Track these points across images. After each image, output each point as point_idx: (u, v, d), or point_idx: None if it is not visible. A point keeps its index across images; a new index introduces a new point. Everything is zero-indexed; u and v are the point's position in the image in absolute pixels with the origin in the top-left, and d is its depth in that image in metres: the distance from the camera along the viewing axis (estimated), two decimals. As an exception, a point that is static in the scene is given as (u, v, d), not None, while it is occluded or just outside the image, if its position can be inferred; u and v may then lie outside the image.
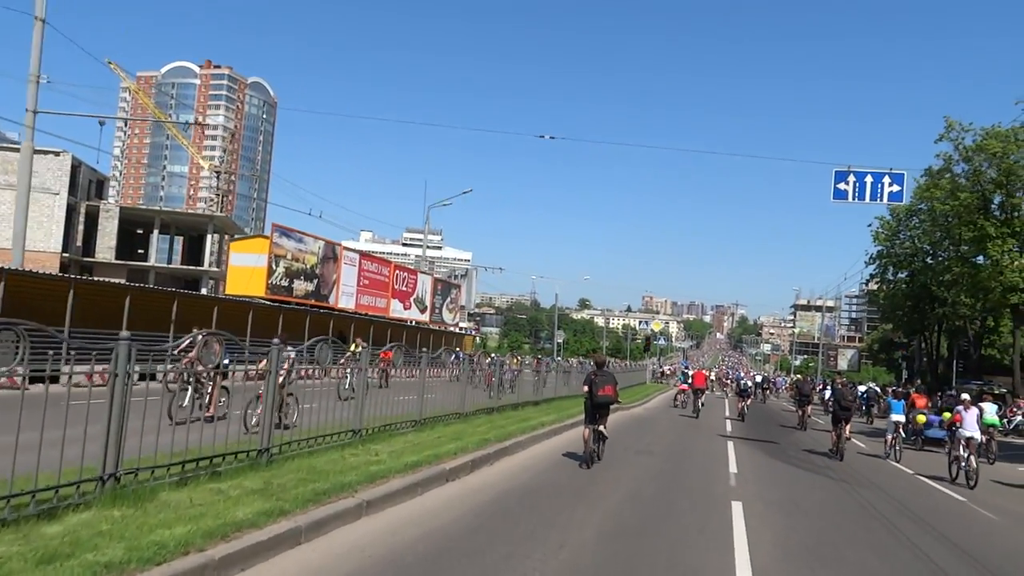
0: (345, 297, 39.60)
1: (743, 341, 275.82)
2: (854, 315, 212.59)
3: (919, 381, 52.62)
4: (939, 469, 15.87)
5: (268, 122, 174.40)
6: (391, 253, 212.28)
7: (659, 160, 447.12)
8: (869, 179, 17.14)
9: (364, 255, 42.23)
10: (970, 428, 14.47)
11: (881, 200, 17.25)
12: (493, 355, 42.78)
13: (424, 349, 14.73)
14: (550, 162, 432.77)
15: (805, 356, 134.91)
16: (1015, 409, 31.59)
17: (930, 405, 24.81)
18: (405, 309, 46.49)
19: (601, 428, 12.73)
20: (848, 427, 17.59)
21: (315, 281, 36.98)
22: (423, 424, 13.38)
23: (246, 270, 34.70)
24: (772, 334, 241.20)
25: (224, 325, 25.15)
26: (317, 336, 11.32)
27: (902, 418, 18.61)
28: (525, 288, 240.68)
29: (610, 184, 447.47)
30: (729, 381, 55.16)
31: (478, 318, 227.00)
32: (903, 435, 18.70)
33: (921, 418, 21.48)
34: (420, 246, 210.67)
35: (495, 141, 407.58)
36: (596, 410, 12.53)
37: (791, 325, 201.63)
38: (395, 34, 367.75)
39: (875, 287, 49.72)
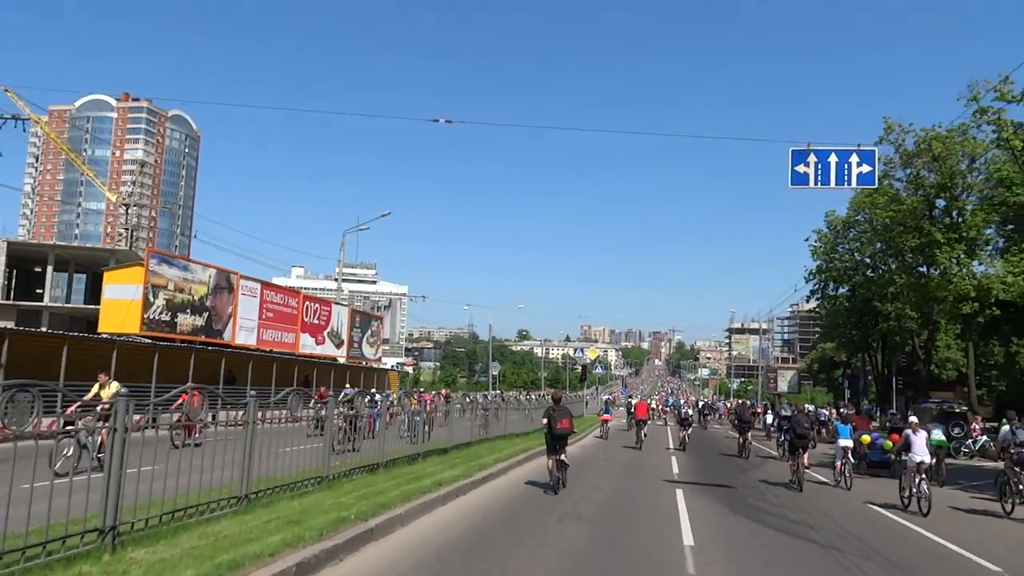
0: (244, 332, 34.86)
1: (681, 366, 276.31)
2: (787, 337, 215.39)
3: (866, 401, 50.45)
4: (889, 496, 15.11)
5: (191, 156, 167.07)
6: (323, 289, 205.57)
7: (594, 188, 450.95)
8: (833, 159, 13.86)
9: (267, 285, 37.62)
10: (920, 452, 13.77)
11: (849, 184, 13.98)
12: (419, 391, 38.71)
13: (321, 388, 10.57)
14: (486, 194, 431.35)
15: (743, 379, 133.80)
16: (976, 428, 28.89)
17: (871, 427, 24.83)
18: (318, 344, 41.88)
19: (563, 457, 14.09)
20: (807, 456, 16.85)
21: (205, 315, 32.21)
22: (254, 501, 9.24)
23: (121, 304, 29.77)
24: (709, 358, 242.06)
25: (80, 368, 20.79)
26: (204, 378, 7.24)
27: (850, 443, 17.91)
28: (465, 321, 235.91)
29: (547, 214, 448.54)
30: (669, 408, 52.25)
31: (416, 352, 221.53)
32: (852, 460, 17.99)
33: (866, 438, 20.75)
34: (353, 280, 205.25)
35: (432, 172, 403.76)
36: (556, 441, 13.86)
37: (727, 349, 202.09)
38: (327, 67, 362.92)
39: (815, 304, 47.35)
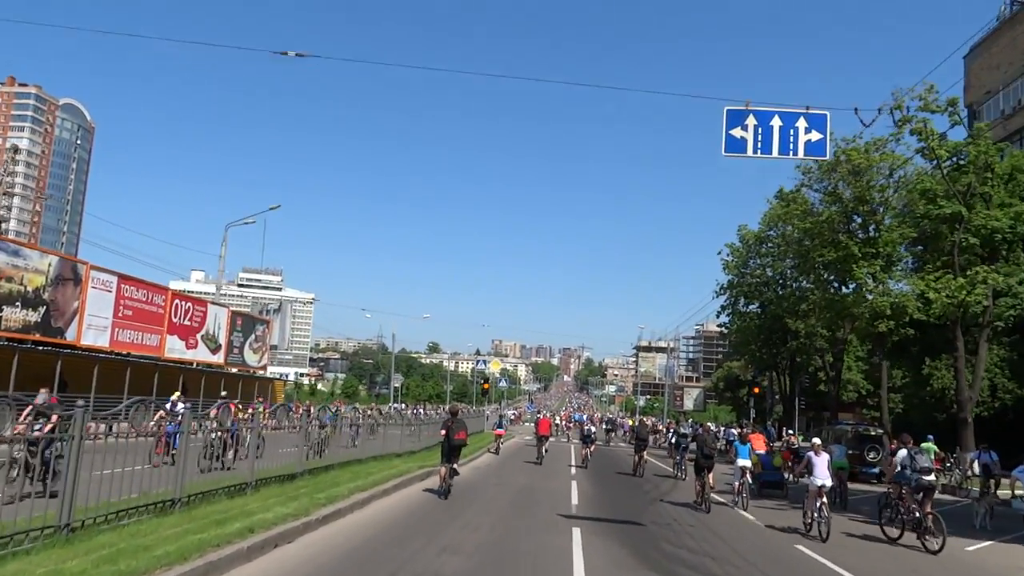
0: (94, 332, 29.89)
1: (589, 383, 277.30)
2: (692, 356, 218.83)
3: (770, 421, 49.12)
4: (786, 519, 15.34)
5: (83, 148, 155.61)
6: (225, 294, 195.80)
7: (508, 202, 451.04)
8: (777, 123, 11.11)
9: (127, 279, 32.65)
10: (822, 475, 13.38)
11: (795, 153, 11.19)
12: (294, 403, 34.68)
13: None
14: (402, 204, 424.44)
15: (650, 396, 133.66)
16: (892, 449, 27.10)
17: (770, 446, 24.38)
18: (189, 348, 37.03)
19: (455, 466, 15.63)
20: (712, 476, 16.18)
21: (42, 310, 27.24)
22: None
23: (-71, 293, 24.65)
24: (616, 375, 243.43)
25: None
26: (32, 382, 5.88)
27: (748, 463, 17.60)
28: (375, 332, 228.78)
29: (461, 226, 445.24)
30: (573, 424, 49.88)
31: (321, 363, 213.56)
32: (749, 481, 17.61)
33: (753, 458, 19.36)
34: (258, 286, 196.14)
35: (346, 180, 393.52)
36: (452, 451, 15.19)
37: (634, 366, 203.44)
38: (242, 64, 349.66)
39: (726, 319, 45.73)
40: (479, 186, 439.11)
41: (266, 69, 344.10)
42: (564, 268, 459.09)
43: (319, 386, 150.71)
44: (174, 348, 35.82)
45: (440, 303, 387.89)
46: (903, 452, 13.65)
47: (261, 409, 17.71)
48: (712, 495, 16.37)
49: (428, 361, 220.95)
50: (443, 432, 15.08)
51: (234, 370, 42.10)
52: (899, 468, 13.60)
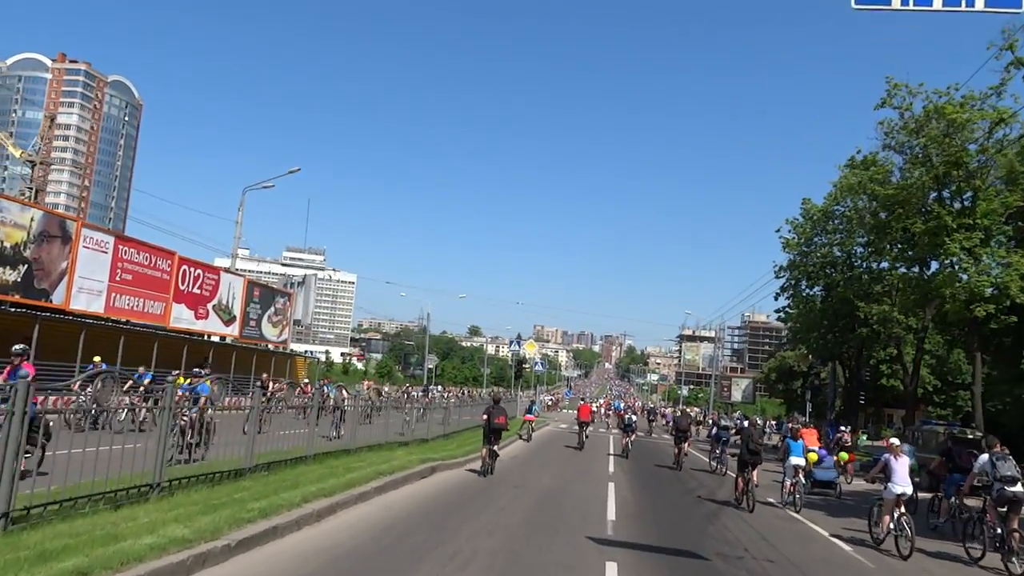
0: (85, 296, 26.92)
1: (630, 371, 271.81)
2: (736, 346, 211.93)
3: (831, 416, 44.50)
4: (847, 525, 13.78)
5: (131, 125, 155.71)
6: (269, 273, 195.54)
7: (556, 190, 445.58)
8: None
9: (123, 239, 29.61)
10: (902, 482, 11.57)
11: (970, 4, 7.07)
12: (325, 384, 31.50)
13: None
14: (449, 188, 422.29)
15: (693, 386, 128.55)
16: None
17: (825, 443, 22.83)
18: (199, 318, 34.02)
19: (496, 448, 16.59)
20: (756, 473, 15.21)
21: (22, 268, 24.33)
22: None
23: None
24: (659, 364, 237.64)
25: None
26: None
27: (802, 461, 16.21)
28: (416, 315, 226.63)
29: (505, 211, 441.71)
30: (612, 413, 46.48)
31: (363, 343, 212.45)
32: (802, 480, 16.22)
33: (813, 456, 18.61)
34: (300, 265, 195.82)
35: (391, 160, 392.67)
36: (492, 434, 16.24)
37: (677, 355, 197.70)
38: (286, 45, 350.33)
39: (785, 303, 41.02)
40: (529, 173, 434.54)
41: (315, 48, 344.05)
42: (610, 255, 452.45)
43: (359, 365, 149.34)
44: (181, 318, 32.79)
45: (483, 287, 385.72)
46: (984, 458, 11.63)
47: (210, 385, 13.98)
48: (756, 492, 15.02)
49: (468, 344, 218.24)
50: (484, 417, 16.40)
51: (253, 345, 39.12)
52: (977, 476, 11.69)
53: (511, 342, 44.06)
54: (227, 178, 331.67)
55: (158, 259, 31.36)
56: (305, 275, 47.48)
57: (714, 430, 26.94)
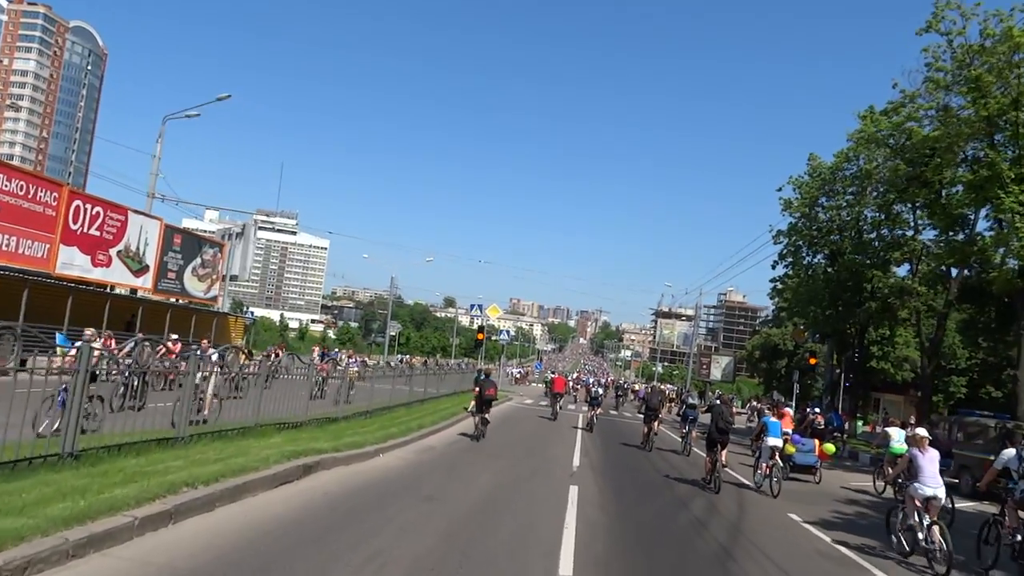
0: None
1: (605, 346, 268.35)
2: (712, 325, 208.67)
3: (826, 400, 39.75)
4: (844, 528, 11.44)
5: (94, 75, 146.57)
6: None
7: (530, 166, 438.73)
8: None
9: (-10, 162, 23.70)
10: (932, 482, 9.21)
11: None
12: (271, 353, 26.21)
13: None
14: (424, 158, 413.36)
15: (668, 363, 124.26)
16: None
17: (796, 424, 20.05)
18: (97, 265, 28.09)
19: (487, 416, 17.80)
20: (725, 452, 14.22)
21: None
22: None
23: None
24: (633, 340, 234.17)
25: None
26: None
27: (780, 442, 14.53)
28: (405, 286, 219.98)
29: (484, 183, 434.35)
30: (580, 387, 43.64)
31: (335, 311, 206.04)
32: (779, 463, 14.33)
33: (790, 448, 16.10)
34: (271, 229, 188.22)
35: (377, 128, 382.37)
36: (483, 404, 17.64)
37: (652, 331, 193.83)
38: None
39: (783, 272, 35.78)
40: (506, 146, 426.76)
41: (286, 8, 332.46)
42: (587, 232, 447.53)
43: (331, 334, 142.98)
44: (72, 263, 26.82)
45: (460, 259, 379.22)
46: (1010, 453, 9.51)
47: None
48: (729, 472, 15.00)
49: (443, 315, 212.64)
50: (476, 389, 18.29)
51: (173, 300, 33.27)
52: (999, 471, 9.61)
53: (472, 306, 38.14)
54: (197, 138, 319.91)
55: (40, 189, 25.28)
56: (244, 224, 41.18)
57: (682, 408, 24.32)
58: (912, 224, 28.29)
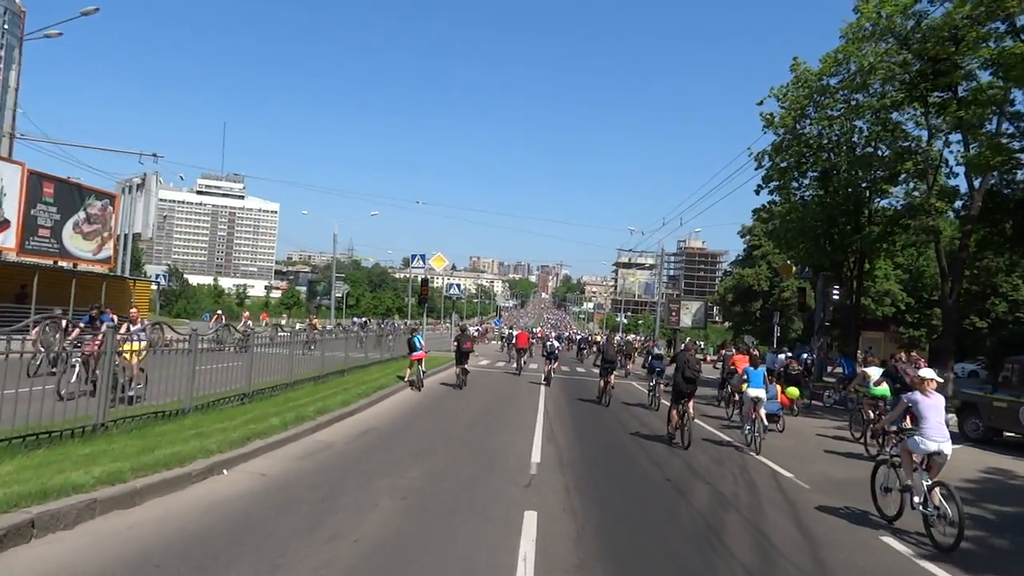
0: None
1: (567, 300, 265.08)
2: (673, 273, 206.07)
3: (822, 341, 35.61)
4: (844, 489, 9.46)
5: (12, 34, 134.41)
6: (184, 202, 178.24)
7: (487, 119, 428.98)
8: None
9: None
10: (936, 434, 7.37)
11: None
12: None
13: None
14: (380, 115, 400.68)
15: (632, 313, 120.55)
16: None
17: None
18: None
19: (466, 366, 20.08)
20: (692, 404, 12.67)
21: None
22: None
23: None
24: (595, 292, 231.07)
25: None
26: None
27: (763, 393, 12.78)
28: (346, 246, 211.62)
29: (440, 142, 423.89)
30: (535, 341, 40.73)
31: (291, 276, 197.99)
32: (763, 417, 12.61)
33: (793, 391, 16.74)
34: (218, 193, 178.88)
35: (325, 87, 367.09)
36: (462, 356, 19.79)
37: (613, 283, 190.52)
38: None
39: (768, 200, 30.76)
40: (460, 100, 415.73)
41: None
42: (545, 185, 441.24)
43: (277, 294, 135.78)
44: None
45: (417, 218, 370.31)
46: None
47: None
48: (706, 427, 14.45)
49: (403, 276, 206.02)
50: (455, 343, 20.82)
51: (48, 262, 27.18)
52: None
53: (412, 257, 32.67)
54: (135, 103, 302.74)
55: None
56: (144, 175, 34.54)
57: (647, 359, 23.02)
58: (926, 126, 23.43)
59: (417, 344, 19.08)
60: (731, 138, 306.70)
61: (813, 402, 22.10)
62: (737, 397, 15.42)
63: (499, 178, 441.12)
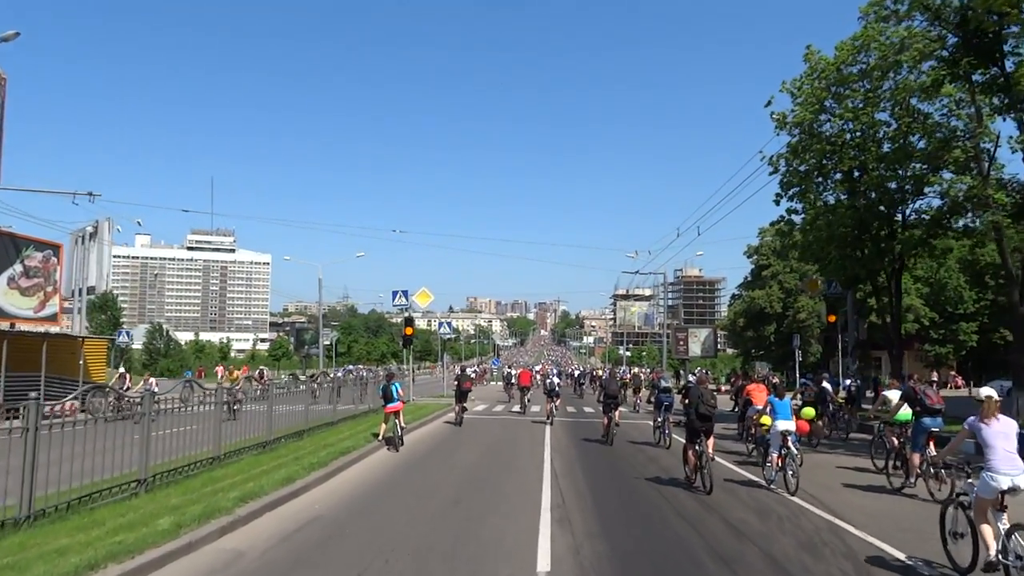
0: None
1: (566, 336, 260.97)
2: (671, 302, 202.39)
3: (855, 366, 31.93)
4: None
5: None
6: (173, 259, 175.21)
7: (484, 160, 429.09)
8: None
9: None
10: (1009, 466, 6.36)
11: None
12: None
13: None
14: (367, 161, 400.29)
15: (633, 345, 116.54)
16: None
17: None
18: None
19: (465, 404, 21.87)
20: (711, 443, 11.48)
21: None
22: None
23: None
24: (594, 326, 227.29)
25: None
26: None
27: (792, 425, 11.50)
28: (341, 293, 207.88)
29: (434, 187, 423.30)
30: (539, 378, 39.66)
31: (286, 328, 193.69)
32: (794, 451, 11.25)
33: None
34: (208, 248, 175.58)
35: (307, 131, 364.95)
36: (461, 396, 21.71)
37: (612, 315, 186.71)
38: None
39: (786, 210, 27.06)
40: (440, 148, 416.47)
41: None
42: (538, 227, 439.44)
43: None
44: None
45: (413, 263, 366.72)
46: None
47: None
48: (726, 464, 13.23)
49: (398, 320, 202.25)
50: (455, 383, 22.63)
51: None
52: None
53: (395, 294, 28.99)
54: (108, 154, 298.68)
55: None
56: (96, 223, 30.93)
57: (654, 394, 21.44)
58: (972, 103, 20.03)
59: (394, 394, 15.45)
60: (731, 155, 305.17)
61: (851, 436, 19.65)
62: (754, 431, 14.14)
63: (491, 214, 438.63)
